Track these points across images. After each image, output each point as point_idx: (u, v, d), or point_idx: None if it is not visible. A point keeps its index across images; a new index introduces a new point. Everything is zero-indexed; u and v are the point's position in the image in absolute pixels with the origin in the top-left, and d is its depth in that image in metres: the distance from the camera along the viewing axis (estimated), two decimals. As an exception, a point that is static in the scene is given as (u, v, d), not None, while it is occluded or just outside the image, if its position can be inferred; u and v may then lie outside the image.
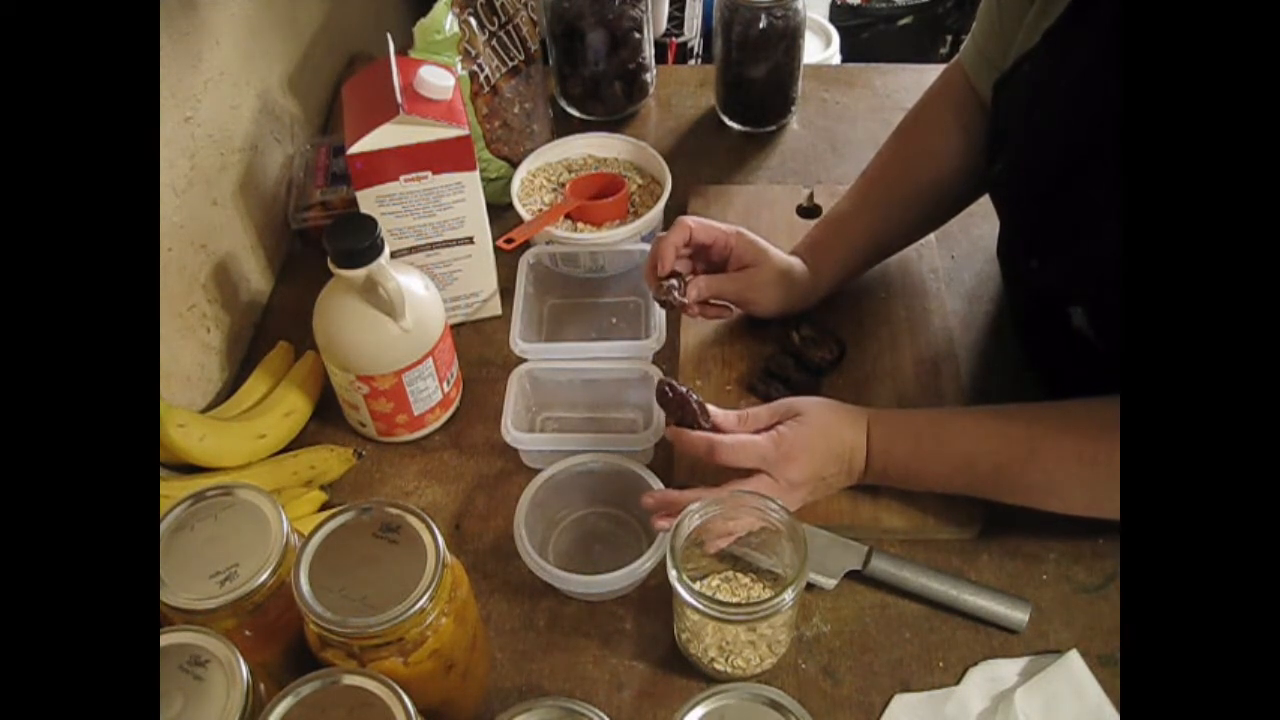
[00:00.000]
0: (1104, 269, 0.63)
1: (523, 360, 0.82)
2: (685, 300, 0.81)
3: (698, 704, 0.54)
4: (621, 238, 0.92)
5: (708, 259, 0.84)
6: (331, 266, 0.75)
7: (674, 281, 0.81)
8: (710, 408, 0.73)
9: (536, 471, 0.75)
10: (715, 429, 0.73)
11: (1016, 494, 0.71)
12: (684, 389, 0.73)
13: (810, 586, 0.72)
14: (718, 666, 0.68)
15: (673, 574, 0.64)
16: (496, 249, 0.89)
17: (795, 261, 0.86)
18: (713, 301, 0.85)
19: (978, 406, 0.75)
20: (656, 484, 0.73)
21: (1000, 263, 0.89)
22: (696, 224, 0.82)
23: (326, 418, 0.86)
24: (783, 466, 0.70)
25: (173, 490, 0.73)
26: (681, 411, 0.73)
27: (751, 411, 0.73)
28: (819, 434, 0.71)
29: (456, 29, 0.91)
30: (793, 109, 1.13)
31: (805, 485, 0.72)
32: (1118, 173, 0.61)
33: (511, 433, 0.77)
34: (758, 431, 0.72)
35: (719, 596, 0.71)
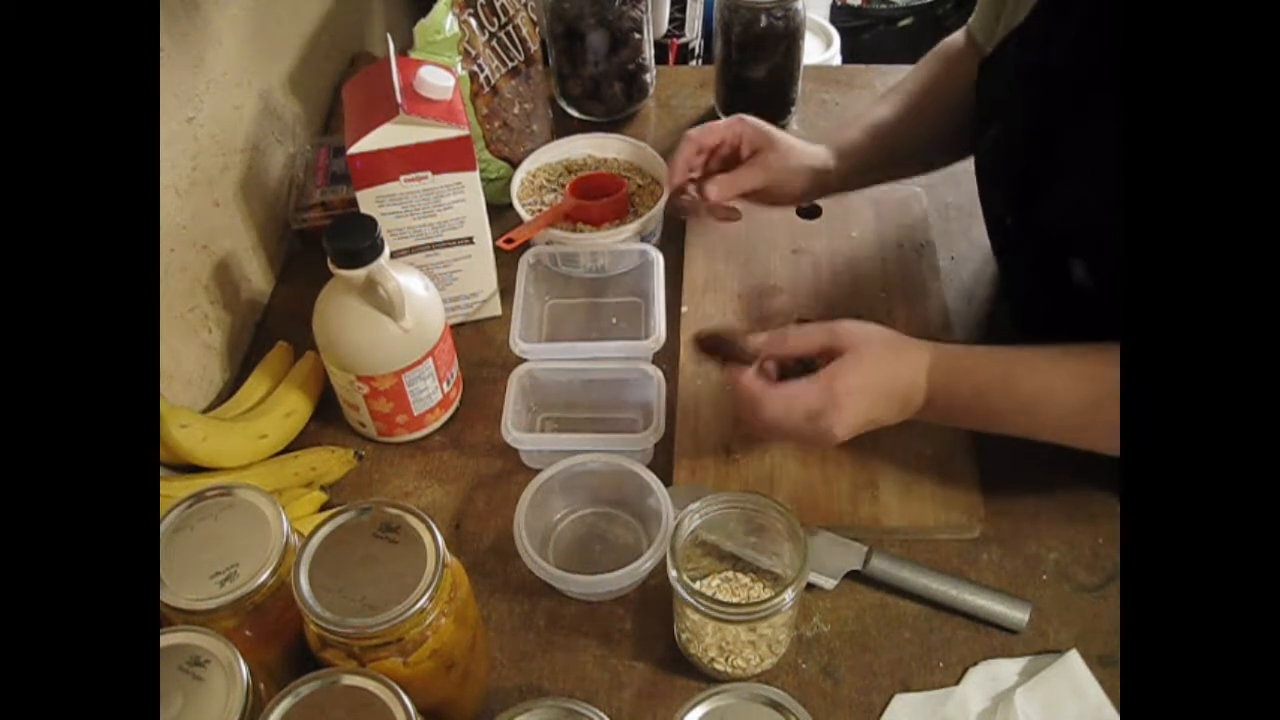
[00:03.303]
0: (1102, 212, 0.63)
1: (523, 360, 0.82)
2: (705, 196, 0.85)
3: (698, 704, 0.54)
4: (621, 238, 0.92)
5: (723, 160, 0.87)
6: (331, 266, 0.75)
7: (690, 192, 0.85)
8: (752, 337, 0.72)
9: (536, 471, 0.75)
10: (757, 357, 0.72)
11: (1089, 436, 0.67)
12: (718, 331, 0.75)
13: (810, 586, 0.72)
14: (718, 666, 0.68)
15: (673, 574, 0.64)
16: (496, 249, 0.89)
17: (817, 148, 0.88)
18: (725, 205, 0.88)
19: (1048, 346, 0.70)
20: (656, 484, 0.73)
21: (992, 240, 0.88)
22: (698, 132, 0.86)
23: (327, 418, 0.86)
24: (831, 415, 0.67)
25: (173, 490, 0.73)
26: (722, 350, 0.74)
27: (796, 331, 0.72)
28: (873, 372, 0.69)
29: (456, 29, 0.91)
30: (793, 110, 1.13)
31: (856, 427, 0.69)
32: (1116, 113, 0.60)
33: (511, 433, 0.77)
34: (801, 361, 0.72)
35: (719, 596, 0.71)
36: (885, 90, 0.93)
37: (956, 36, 0.91)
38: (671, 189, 0.87)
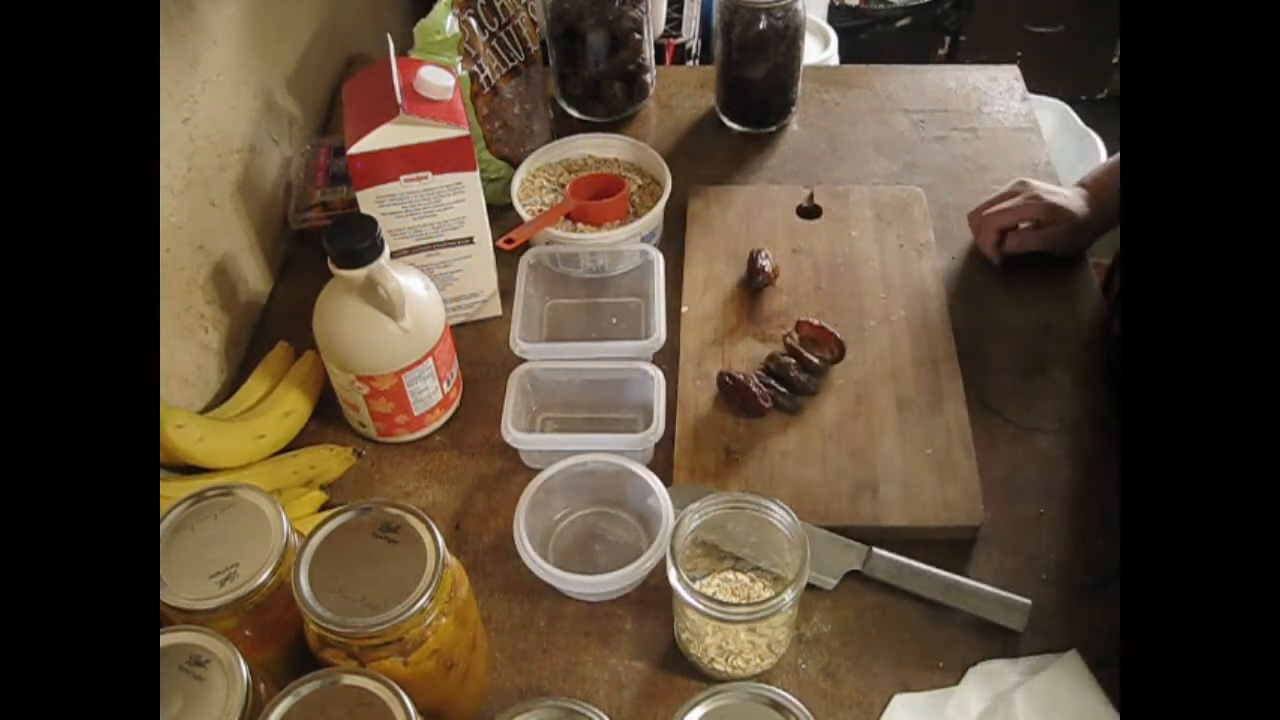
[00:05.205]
0: None
1: (523, 360, 0.82)
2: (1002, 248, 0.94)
3: (698, 704, 0.54)
4: (621, 238, 0.92)
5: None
6: (331, 267, 0.75)
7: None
8: None
9: (536, 471, 0.75)
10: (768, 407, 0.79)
11: None
12: (742, 376, 0.77)
13: (810, 586, 0.72)
14: (718, 666, 0.68)
15: (673, 574, 0.64)
16: (496, 249, 0.89)
17: (1077, 200, 0.91)
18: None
19: None
20: (656, 484, 0.73)
21: None
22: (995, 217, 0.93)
23: (326, 418, 0.86)
24: None
25: (173, 490, 0.73)
26: (743, 398, 0.76)
27: None
28: None
29: (456, 29, 0.91)
30: (792, 110, 1.13)
31: None
32: None
33: (511, 433, 0.77)
34: (802, 364, 0.78)
35: (719, 596, 0.71)
36: None
37: None
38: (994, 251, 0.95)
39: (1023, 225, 0.93)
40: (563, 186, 0.97)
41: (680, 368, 0.86)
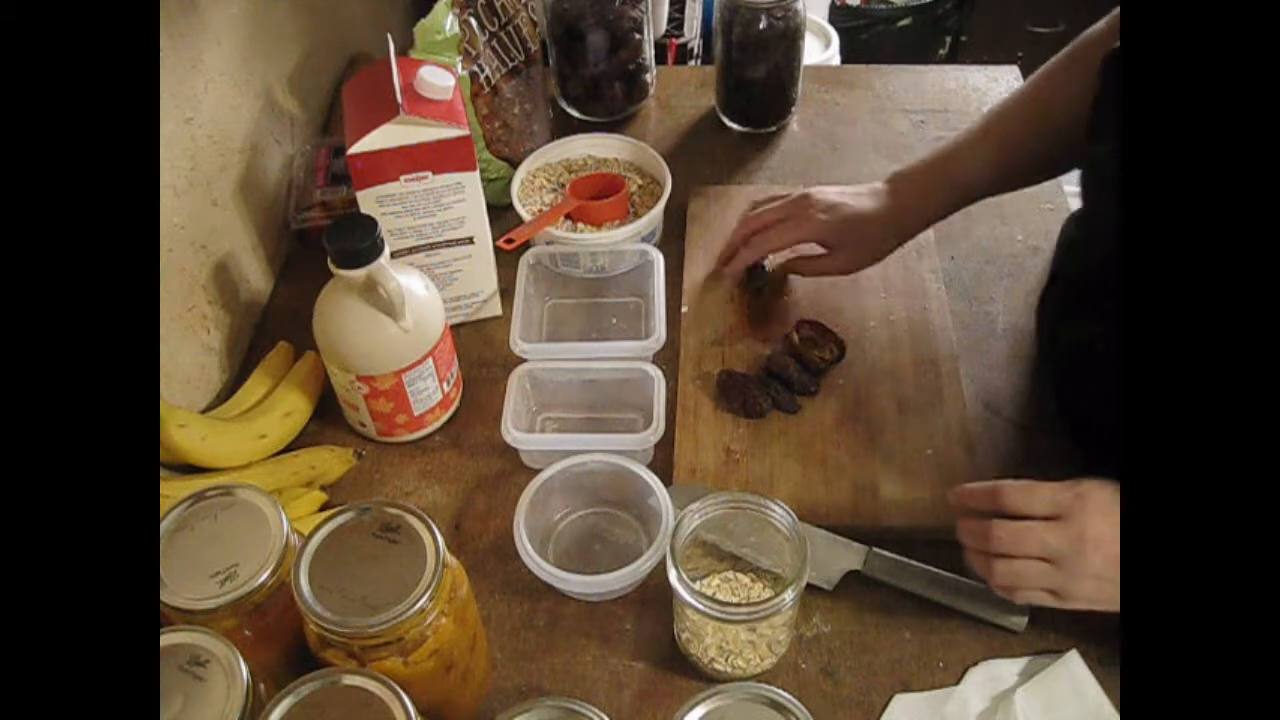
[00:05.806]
0: None
1: (523, 360, 0.82)
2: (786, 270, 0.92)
3: (698, 704, 0.54)
4: (621, 238, 0.92)
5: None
6: (332, 267, 0.75)
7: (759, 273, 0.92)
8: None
9: (536, 471, 0.75)
10: (768, 408, 0.80)
11: None
12: (742, 376, 0.78)
13: (810, 587, 0.72)
14: (718, 666, 0.68)
15: (673, 574, 0.64)
16: (496, 249, 0.89)
17: (879, 218, 0.84)
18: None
19: None
20: (656, 484, 0.73)
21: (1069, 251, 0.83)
22: (756, 219, 0.88)
23: (326, 418, 0.86)
24: (1075, 563, 0.61)
25: (173, 490, 0.73)
26: (743, 398, 0.77)
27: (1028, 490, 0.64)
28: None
29: (456, 29, 0.91)
30: (793, 110, 1.13)
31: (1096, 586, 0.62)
32: None
33: (511, 433, 0.77)
34: (802, 362, 0.75)
35: (719, 596, 0.71)
36: (988, 115, 0.85)
37: (1099, 26, 0.78)
38: (721, 264, 0.92)
39: (804, 248, 0.88)
40: (563, 186, 0.98)
41: (680, 368, 0.86)
